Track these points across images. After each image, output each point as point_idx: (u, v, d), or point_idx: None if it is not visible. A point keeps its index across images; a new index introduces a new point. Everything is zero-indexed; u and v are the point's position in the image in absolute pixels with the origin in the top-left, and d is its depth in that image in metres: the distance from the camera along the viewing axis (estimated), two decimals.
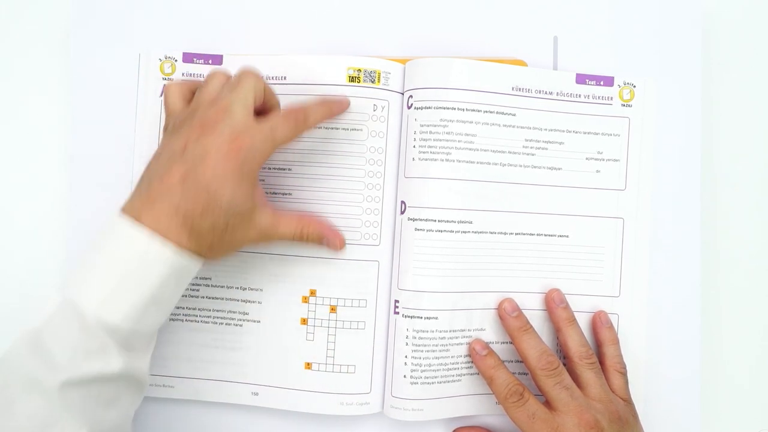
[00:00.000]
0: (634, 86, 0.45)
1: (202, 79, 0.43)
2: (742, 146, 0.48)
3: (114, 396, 0.35)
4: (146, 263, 0.34)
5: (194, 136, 0.36)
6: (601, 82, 0.45)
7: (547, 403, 0.40)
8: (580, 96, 0.44)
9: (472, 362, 0.43)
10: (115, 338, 0.34)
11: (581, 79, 0.44)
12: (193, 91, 0.40)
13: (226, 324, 0.44)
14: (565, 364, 0.41)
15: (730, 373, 0.47)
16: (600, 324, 0.44)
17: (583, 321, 0.44)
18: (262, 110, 0.39)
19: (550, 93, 0.44)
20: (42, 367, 0.33)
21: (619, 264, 0.45)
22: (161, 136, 0.41)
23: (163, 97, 0.41)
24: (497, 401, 0.41)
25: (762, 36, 0.49)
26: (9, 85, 0.48)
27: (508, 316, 0.42)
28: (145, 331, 0.36)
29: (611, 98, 0.45)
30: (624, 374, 0.42)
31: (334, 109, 0.42)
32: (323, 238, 0.42)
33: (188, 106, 0.39)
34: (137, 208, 0.35)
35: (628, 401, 0.42)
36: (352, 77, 0.43)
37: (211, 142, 0.35)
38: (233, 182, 0.35)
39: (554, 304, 0.43)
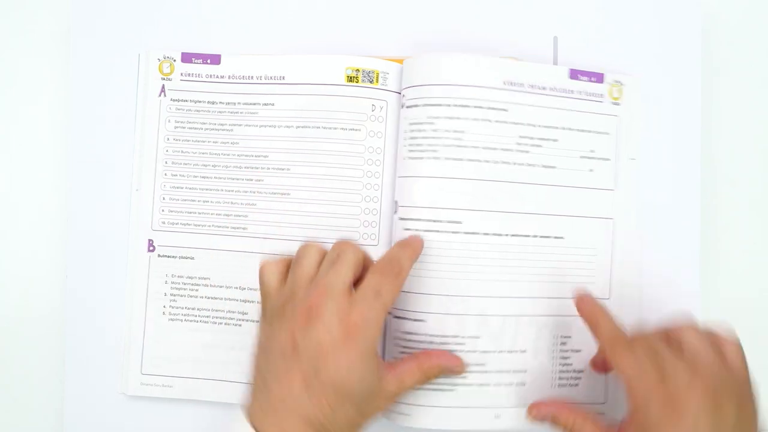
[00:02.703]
0: (623, 84, 0.44)
1: (292, 254, 0.39)
2: (742, 146, 0.48)
3: None
4: None
5: (300, 325, 0.34)
6: (593, 79, 0.44)
7: None
8: (573, 92, 0.43)
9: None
10: None
11: (574, 74, 0.44)
12: (288, 267, 0.38)
13: (225, 324, 0.44)
14: None
15: None
16: None
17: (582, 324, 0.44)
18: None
19: (544, 88, 0.43)
20: None
21: (609, 266, 0.44)
22: (260, 323, 0.38)
23: (258, 276, 0.38)
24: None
25: (762, 36, 0.48)
26: (8, 85, 0.48)
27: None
28: None
29: (602, 95, 0.44)
30: None
31: (416, 247, 0.40)
32: (445, 369, 0.39)
33: (284, 286, 0.37)
34: (260, 416, 0.34)
35: None
36: (351, 77, 0.43)
37: (321, 334, 0.34)
38: (359, 369, 0.34)
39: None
